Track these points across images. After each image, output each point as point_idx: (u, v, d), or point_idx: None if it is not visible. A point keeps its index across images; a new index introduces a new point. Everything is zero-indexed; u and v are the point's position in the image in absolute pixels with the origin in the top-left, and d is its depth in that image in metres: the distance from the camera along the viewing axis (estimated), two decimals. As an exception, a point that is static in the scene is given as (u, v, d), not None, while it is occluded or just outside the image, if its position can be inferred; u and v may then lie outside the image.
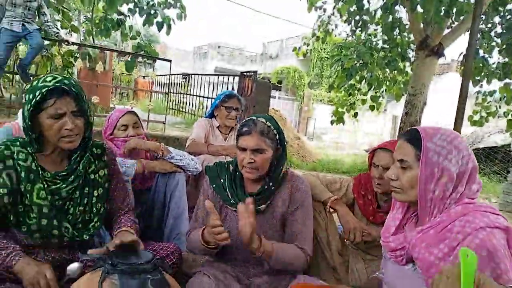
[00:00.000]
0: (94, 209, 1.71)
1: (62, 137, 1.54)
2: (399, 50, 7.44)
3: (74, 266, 1.48)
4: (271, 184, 1.79)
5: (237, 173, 1.85)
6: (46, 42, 5.99)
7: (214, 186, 1.86)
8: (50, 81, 1.52)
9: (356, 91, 8.17)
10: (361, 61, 7.02)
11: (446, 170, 1.24)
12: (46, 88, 1.49)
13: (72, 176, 1.63)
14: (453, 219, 1.21)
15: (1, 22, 4.98)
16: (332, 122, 8.59)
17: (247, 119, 1.81)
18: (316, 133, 19.26)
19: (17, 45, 5.26)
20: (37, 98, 1.48)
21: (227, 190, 1.82)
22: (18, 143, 1.58)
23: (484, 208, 1.22)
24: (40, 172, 1.57)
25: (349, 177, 2.42)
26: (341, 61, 6.80)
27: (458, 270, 0.74)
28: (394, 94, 8.42)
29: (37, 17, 5.25)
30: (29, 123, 1.52)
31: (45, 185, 1.57)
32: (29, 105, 1.50)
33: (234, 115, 3.20)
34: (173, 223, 2.46)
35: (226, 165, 1.91)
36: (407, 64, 7.93)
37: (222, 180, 1.85)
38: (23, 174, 1.53)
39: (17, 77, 5.56)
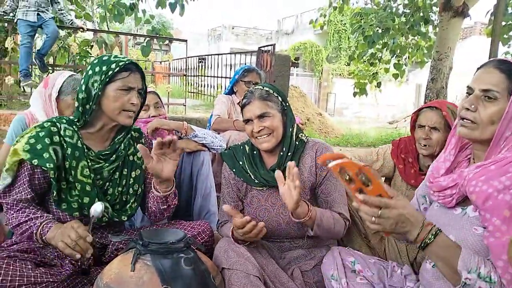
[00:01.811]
0: (131, 190, 1.72)
1: (124, 110, 1.57)
2: (422, 13, 7.13)
3: (96, 206, 1.46)
4: (285, 149, 1.72)
5: (254, 152, 1.80)
6: (62, 32, 6.00)
7: (234, 170, 1.80)
8: (119, 58, 1.59)
9: (377, 61, 7.92)
10: (382, 28, 6.76)
11: None
12: (123, 62, 1.56)
13: (114, 156, 1.65)
14: None
15: (16, 13, 4.97)
16: (354, 94, 8.39)
17: (245, 93, 1.78)
18: (337, 108, 18.99)
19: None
20: (115, 70, 1.54)
21: (248, 171, 1.76)
22: (64, 120, 1.59)
23: None
24: (85, 150, 1.59)
25: (385, 145, 2.33)
26: (362, 29, 6.56)
27: None
28: (418, 61, 8.13)
29: (51, 6, 5.22)
30: (99, 93, 1.54)
31: (89, 163, 1.59)
32: (103, 75, 1.54)
33: None
34: (201, 202, 2.42)
35: (241, 147, 1.85)
36: (430, 28, 7.61)
37: (241, 163, 1.79)
38: (69, 151, 1.54)
39: (36, 70, 5.60)
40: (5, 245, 1.57)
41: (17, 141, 1.54)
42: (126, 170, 1.70)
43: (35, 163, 1.47)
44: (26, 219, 1.49)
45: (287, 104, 1.77)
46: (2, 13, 5.04)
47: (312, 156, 1.75)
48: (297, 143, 1.75)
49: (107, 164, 1.63)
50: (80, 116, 1.59)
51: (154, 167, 1.53)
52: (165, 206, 1.69)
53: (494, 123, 1.17)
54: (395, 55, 7.62)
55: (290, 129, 1.74)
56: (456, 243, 1.13)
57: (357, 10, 7.29)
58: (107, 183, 1.66)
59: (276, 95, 1.73)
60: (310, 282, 1.66)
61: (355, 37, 6.94)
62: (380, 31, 6.80)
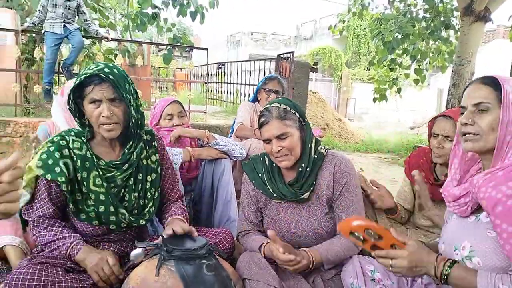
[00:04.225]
0: (149, 194, 1.74)
1: (101, 125, 1.56)
2: (442, 18, 7.06)
3: (137, 252, 1.52)
4: (303, 165, 1.72)
5: (274, 164, 1.80)
6: (86, 41, 6.18)
7: (254, 182, 1.82)
8: (92, 69, 1.53)
9: (397, 66, 7.86)
10: (402, 33, 6.72)
11: None
12: (85, 75, 1.51)
13: (126, 165, 1.66)
14: None
15: (44, 25, 5.16)
16: (374, 100, 8.34)
17: (262, 109, 1.75)
18: (357, 113, 18.83)
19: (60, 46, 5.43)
20: (76, 84, 1.53)
21: (267, 184, 1.78)
22: (72, 133, 1.63)
23: None
24: (95, 160, 1.61)
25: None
26: (381, 35, 6.53)
27: None
28: (439, 65, 8.04)
29: (77, 16, 5.40)
30: (72, 107, 1.58)
31: (100, 173, 1.61)
32: (70, 92, 1.55)
33: (273, 97, 3.13)
34: (222, 209, 2.47)
35: (261, 158, 1.87)
36: (451, 32, 7.53)
37: (260, 175, 1.81)
38: (79, 163, 1.58)
39: (62, 78, 5.77)
40: (36, 252, 1.64)
41: (32, 158, 1.59)
42: (141, 174, 1.72)
43: (49, 178, 1.52)
44: (55, 238, 1.54)
45: (305, 119, 1.77)
46: (31, 25, 5.24)
47: (330, 170, 1.74)
48: (315, 156, 1.75)
49: (118, 173, 1.64)
50: (81, 128, 1.64)
51: None
52: None
53: (494, 129, 1.24)
54: (415, 60, 7.55)
55: (309, 145, 1.74)
56: (471, 268, 1.20)
57: (376, 16, 7.26)
58: (123, 190, 1.68)
59: (293, 111, 1.71)
60: (331, 291, 1.68)
61: (375, 43, 6.91)
62: (399, 36, 6.75)
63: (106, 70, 1.53)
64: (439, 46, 7.63)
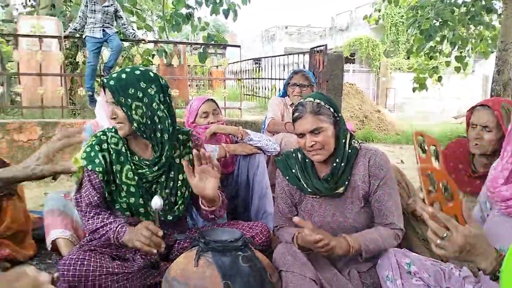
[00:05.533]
0: (179, 192, 1.82)
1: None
2: (483, 2, 6.74)
3: (156, 200, 1.59)
4: (338, 160, 1.72)
5: (307, 160, 1.80)
6: (125, 44, 6.40)
7: (288, 178, 1.83)
8: None
9: (437, 54, 7.58)
10: (440, 20, 6.46)
11: None
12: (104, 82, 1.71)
13: (157, 166, 1.74)
14: None
15: (84, 30, 5.41)
16: (414, 90, 8.10)
17: (296, 104, 1.75)
18: (397, 103, 18.33)
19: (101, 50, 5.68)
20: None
21: (301, 179, 1.79)
22: (113, 129, 1.77)
23: None
24: (129, 155, 1.74)
25: None
26: (417, 23, 6.32)
27: None
28: (482, 52, 7.68)
29: (115, 21, 5.61)
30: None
31: (133, 167, 1.73)
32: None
33: (298, 91, 3.14)
34: (258, 203, 2.52)
35: (294, 154, 1.87)
36: (494, 17, 7.17)
37: (294, 171, 1.82)
38: (114, 156, 1.72)
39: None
40: (85, 241, 1.77)
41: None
42: (173, 173, 1.80)
43: (89, 168, 1.67)
44: (102, 224, 1.68)
45: (339, 114, 1.75)
46: (73, 30, 5.50)
47: (365, 164, 1.73)
48: (349, 151, 1.74)
49: (149, 172, 1.74)
50: None
51: (197, 184, 1.60)
52: (212, 216, 1.77)
53: None
54: (456, 47, 7.25)
55: (343, 140, 1.73)
56: None
57: (413, 3, 7.04)
58: (154, 185, 1.77)
59: (328, 106, 1.70)
60: (367, 283, 1.69)
61: (411, 32, 6.70)
62: (437, 23, 6.50)
63: (113, 75, 1.66)
64: (481, 31, 7.29)
